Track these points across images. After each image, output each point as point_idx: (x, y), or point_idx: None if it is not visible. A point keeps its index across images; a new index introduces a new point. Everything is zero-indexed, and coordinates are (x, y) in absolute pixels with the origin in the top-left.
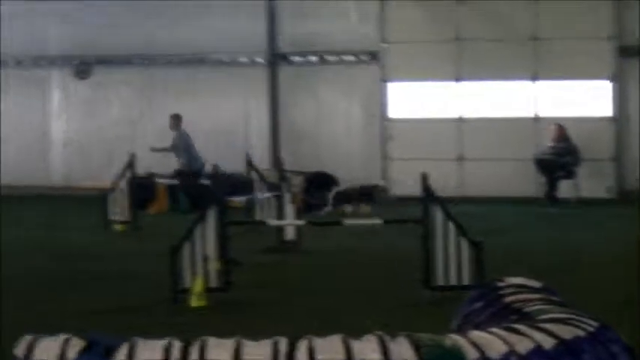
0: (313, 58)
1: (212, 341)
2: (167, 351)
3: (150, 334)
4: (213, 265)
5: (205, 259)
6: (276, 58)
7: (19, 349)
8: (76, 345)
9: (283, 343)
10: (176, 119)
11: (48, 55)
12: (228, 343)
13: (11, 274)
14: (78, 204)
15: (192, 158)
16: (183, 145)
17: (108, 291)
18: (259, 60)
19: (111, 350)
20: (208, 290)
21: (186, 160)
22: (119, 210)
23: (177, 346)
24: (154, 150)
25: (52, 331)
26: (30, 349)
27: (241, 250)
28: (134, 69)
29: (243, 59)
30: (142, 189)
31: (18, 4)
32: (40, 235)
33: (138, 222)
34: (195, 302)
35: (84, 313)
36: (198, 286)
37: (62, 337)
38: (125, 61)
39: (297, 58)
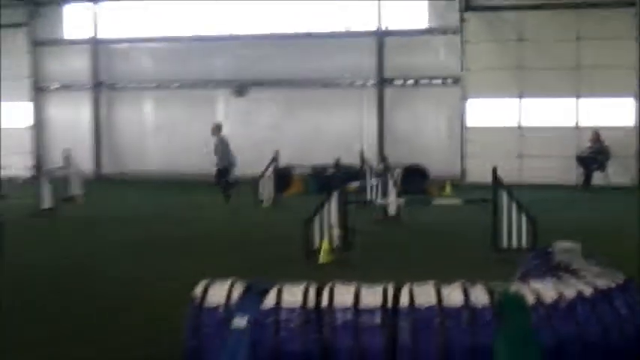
0: (410, 82)
1: (338, 286)
2: (306, 291)
3: (290, 282)
4: (336, 232)
5: (331, 227)
6: (382, 82)
7: (197, 290)
8: (239, 287)
9: (391, 288)
10: (217, 128)
11: (215, 79)
12: (350, 287)
13: (191, 237)
14: (236, 188)
15: (227, 158)
16: (221, 148)
17: (258, 250)
18: (370, 83)
19: (265, 291)
20: (333, 250)
21: (222, 159)
22: (266, 192)
23: (312, 289)
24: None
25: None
26: (205, 290)
27: (357, 221)
28: (279, 89)
29: (359, 82)
30: (282, 176)
31: (194, 43)
32: (207, 210)
33: (280, 201)
34: (323, 258)
35: (242, 266)
36: (325, 246)
37: (229, 281)
38: (273, 84)
39: (398, 82)
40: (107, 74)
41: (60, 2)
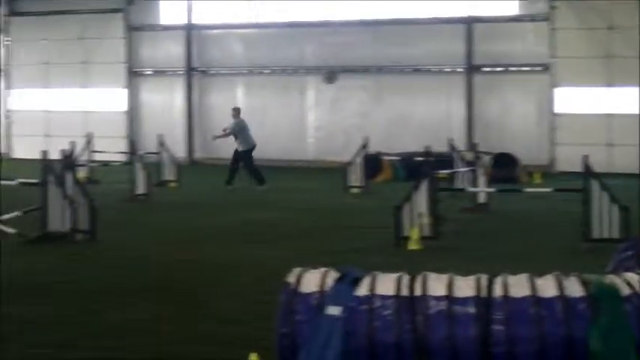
0: (499, 69)
1: (431, 275)
2: (399, 281)
3: (380, 269)
4: (426, 220)
5: (420, 214)
6: (471, 69)
7: (291, 277)
8: (332, 275)
9: (484, 279)
10: (236, 111)
11: (305, 66)
12: (443, 277)
13: (280, 222)
14: (325, 174)
15: (246, 141)
16: (240, 131)
17: (347, 236)
18: (459, 70)
19: (358, 280)
20: (422, 238)
21: (242, 141)
22: (355, 178)
23: (405, 278)
24: (216, 137)
25: (306, 265)
26: (299, 277)
27: (446, 209)
28: (368, 76)
29: (447, 69)
30: (371, 163)
31: (284, 29)
32: (297, 196)
33: (369, 188)
34: (412, 246)
35: (332, 252)
36: (415, 234)
37: (322, 269)
38: (362, 71)
39: (487, 69)
40: (200, 60)
41: None
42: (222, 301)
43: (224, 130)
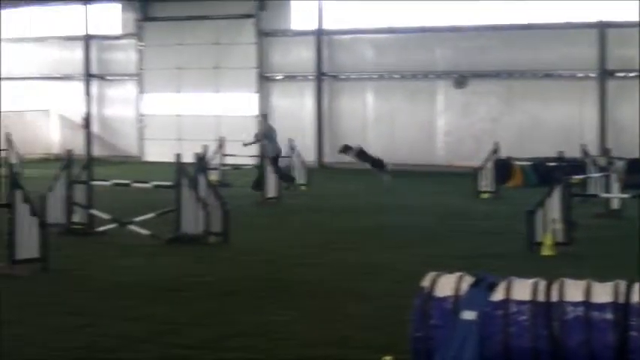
0: (633, 74)
1: (568, 281)
2: (535, 287)
3: (513, 275)
4: (559, 225)
5: (553, 220)
6: (604, 74)
7: (426, 282)
8: (468, 280)
9: (622, 285)
10: (263, 117)
11: (435, 71)
12: (581, 283)
13: (412, 227)
14: (455, 178)
15: (273, 146)
16: (266, 137)
17: (478, 241)
18: (592, 75)
19: (493, 285)
20: (555, 244)
21: (269, 147)
22: (486, 183)
23: (542, 283)
24: (246, 144)
25: (438, 270)
26: (434, 281)
27: (578, 215)
28: (499, 81)
29: (580, 74)
30: (502, 168)
31: (414, 34)
32: (427, 200)
33: (500, 193)
34: (545, 252)
35: (464, 257)
36: (548, 240)
37: (457, 274)
38: (492, 76)
39: (620, 74)
40: (330, 65)
41: None
42: (356, 305)
43: (256, 137)
